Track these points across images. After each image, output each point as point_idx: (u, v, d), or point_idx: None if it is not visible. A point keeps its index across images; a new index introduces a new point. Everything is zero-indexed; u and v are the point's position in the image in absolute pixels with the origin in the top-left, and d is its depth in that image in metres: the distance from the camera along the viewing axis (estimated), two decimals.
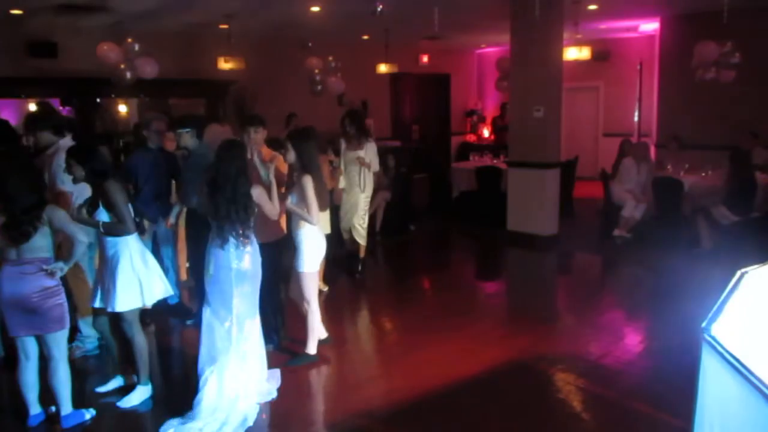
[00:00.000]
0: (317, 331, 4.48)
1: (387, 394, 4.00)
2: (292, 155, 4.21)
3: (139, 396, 3.87)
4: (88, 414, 3.62)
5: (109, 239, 3.71)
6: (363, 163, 6.33)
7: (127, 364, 4.03)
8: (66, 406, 3.52)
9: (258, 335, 3.82)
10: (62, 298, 3.42)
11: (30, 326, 3.37)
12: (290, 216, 4.37)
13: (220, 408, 3.57)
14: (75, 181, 3.80)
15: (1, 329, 3.91)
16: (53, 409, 3.57)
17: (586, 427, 3.66)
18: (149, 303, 3.81)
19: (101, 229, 3.67)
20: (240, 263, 3.65)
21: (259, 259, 3.78)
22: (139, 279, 3.72)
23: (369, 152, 6.42)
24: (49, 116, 4.84)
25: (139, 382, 3.90)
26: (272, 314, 4.73)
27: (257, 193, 3.75)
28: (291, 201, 4.23)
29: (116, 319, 3.83)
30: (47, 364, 3.46)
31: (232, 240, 3.61)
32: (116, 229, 3.68)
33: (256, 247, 3.78)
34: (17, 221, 3.26)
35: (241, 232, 3.62)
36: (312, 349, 4.41)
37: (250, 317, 3.74)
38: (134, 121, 9.46)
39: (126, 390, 3.94)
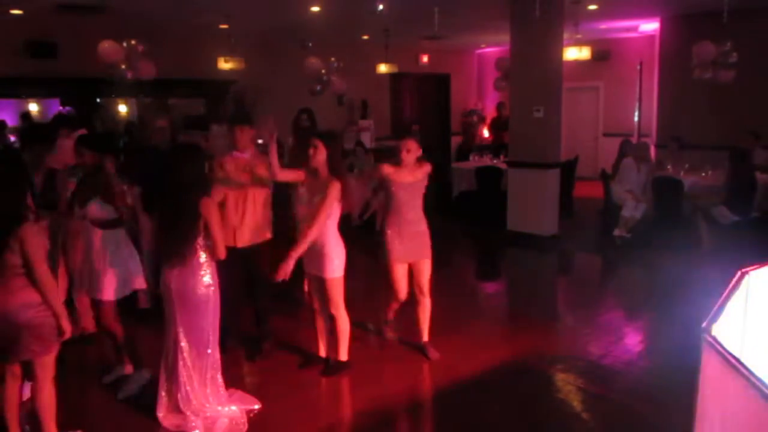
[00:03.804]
0: (348, 337, 4.24)
1: (386, 394, 4.00)
2: (322, 155, 3.95)
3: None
4: None
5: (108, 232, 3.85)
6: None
7: (120, 355, 4.10)
8: (51, 429, 3.24)
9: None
10: (51, 317, 3.07)
11: (18, 349, 3.08)
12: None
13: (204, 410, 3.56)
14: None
15: None
16: (27, 429, 3.37)
17: (586, 427, 3.66)
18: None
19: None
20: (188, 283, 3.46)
21: (210, 278, 3.54)
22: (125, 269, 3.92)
23: None
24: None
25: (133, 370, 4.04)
26: (257, 322, 4.65)
27: (210, 206, 3.46)
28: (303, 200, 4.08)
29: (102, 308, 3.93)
30: (32, 385, 3.21)
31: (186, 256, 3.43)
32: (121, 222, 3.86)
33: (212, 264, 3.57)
34: None
35: (190, 247, 3.42)
36: (344, 355, 4.24)
37: (197, 335, 3.55)
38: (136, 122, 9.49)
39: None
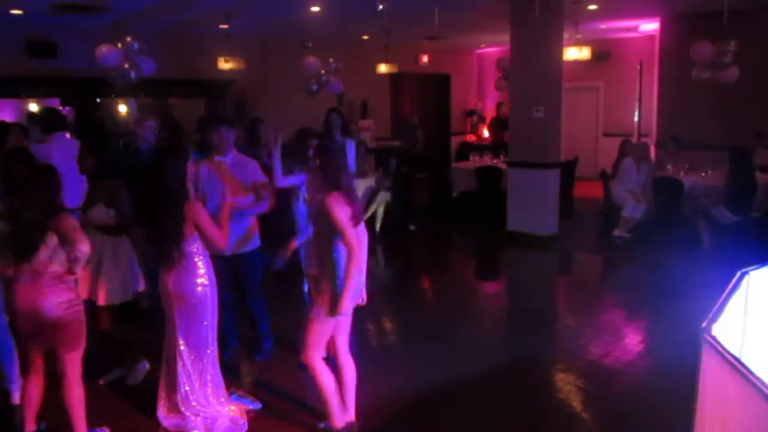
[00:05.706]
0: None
1: (386, 394, 4.00)
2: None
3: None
4: None
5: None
6: None
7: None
8: (80, 426, 3.31)
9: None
10: (81, 313, 3.24)
11: (45, 341, 3.21)
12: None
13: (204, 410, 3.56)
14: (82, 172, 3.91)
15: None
16: (44, 425, 3.42)
17: (586, 427, 3.66)
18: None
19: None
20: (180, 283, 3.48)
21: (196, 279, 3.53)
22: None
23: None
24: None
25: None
26: (254, 323, 4.62)
27: (195, 209, 3.45)
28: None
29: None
30: (60, 382, 3.25)
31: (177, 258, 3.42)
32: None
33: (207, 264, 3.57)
34: (25, 233, 3.04)
35: (179, 250, 3.40)
36: None
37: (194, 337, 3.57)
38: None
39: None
